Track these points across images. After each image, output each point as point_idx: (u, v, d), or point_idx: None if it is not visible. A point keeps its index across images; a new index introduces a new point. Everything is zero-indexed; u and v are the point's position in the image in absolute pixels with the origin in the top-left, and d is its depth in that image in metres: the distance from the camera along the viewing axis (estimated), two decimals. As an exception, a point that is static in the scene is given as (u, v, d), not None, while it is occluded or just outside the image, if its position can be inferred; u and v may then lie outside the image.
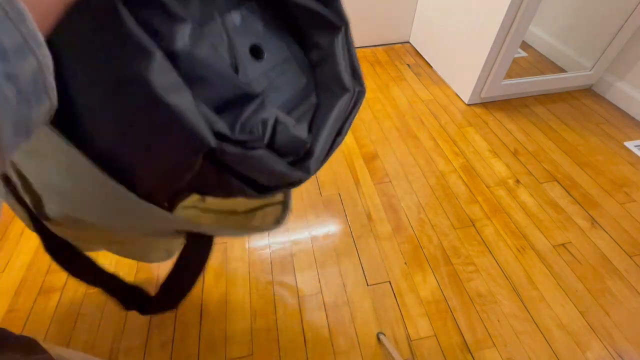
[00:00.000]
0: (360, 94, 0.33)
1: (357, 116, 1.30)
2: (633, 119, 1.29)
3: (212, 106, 0.22)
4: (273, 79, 0.29)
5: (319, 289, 0.80)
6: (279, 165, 0.26)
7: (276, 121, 0.25)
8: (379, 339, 0.71)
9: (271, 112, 0.25)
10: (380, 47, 1.73)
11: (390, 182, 1.05)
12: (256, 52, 0.28)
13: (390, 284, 0.81)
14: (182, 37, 0.21)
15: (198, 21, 0.23)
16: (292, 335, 0.72)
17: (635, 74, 1.28)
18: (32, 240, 0.89)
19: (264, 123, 0.25)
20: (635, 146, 1.17)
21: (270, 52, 0.29)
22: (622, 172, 1.08)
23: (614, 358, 0.70)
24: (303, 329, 0.73)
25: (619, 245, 0.89)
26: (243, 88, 0.24)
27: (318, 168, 0.30)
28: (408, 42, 1.77)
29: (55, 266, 0.84)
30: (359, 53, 1.68)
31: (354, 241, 0.89)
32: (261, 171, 0.26)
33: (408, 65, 1.60)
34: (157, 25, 0.20)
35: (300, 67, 0.31)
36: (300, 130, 0.28)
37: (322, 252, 0.87)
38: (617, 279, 0.82)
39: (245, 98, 0.24)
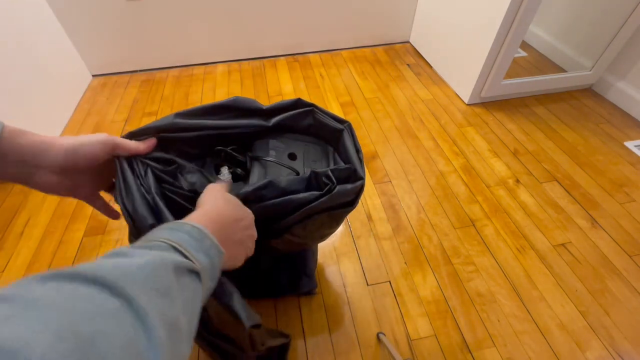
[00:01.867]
0: (349, 126, 0.59)
1: (357, 116, 1.30)
2: (633, 118, 1.29)
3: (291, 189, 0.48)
4: (310, 159, 0.57)
5: (319, 289, 0.80)
6: (349, 186, 0.48)
7: (329, 170, 0.47)
8: (379, 338, 0.71)
9: (324, 170, 0.47)
10: (380, 47, 1.73)
11: (390, 181, 1.05)
12: (292, 156, 0.56)
13: (390, 283, 0.81)
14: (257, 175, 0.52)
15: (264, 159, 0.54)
16: (292, 335, 0.72)
17: (636, 73, 1.28)
18: (32, 240, 0.90)
19: (327, 176, 0.47)
20: (636, 146, 1.17)
21: (297, 151, 0.57)
22: (622, 172, 1.08)
23: (613, 358, 0.70)
24: (303, 329, 0.73)
25: (619, 245, 0.89)
26: (301, 177, 0.48)
27: (363, 172, 0.51)
28: (408, 42, 1.77)
29: (54, 266, 0.84)
30: (360, 53, 1.68)
31: (354, 241, 0.89)
32: (344, 195, 0.48)
33: (408, 65, 1.59)
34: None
35: (317, 144, 0.60)
36: (341, 164, 0.54)
37: (322, 252, 0.87)
38: (617, 278, 0.82)
39: (303, 179, 0.48)
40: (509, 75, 1.27)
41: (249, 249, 0.40)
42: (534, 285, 0.81)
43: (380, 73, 1.54)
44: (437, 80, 1.49)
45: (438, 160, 1.12)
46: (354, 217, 0.95)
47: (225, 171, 0.54)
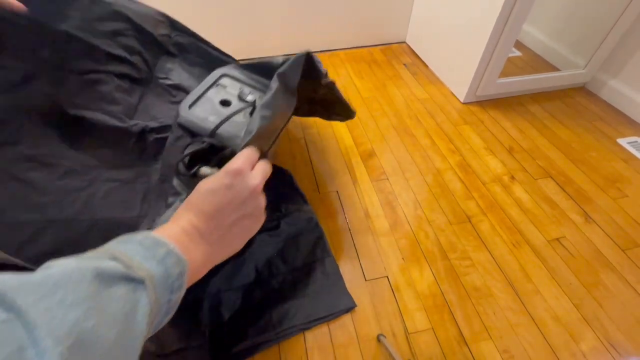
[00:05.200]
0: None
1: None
2: (626, 116, 1.31)
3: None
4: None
5: (318, 284, 0.81)
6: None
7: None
8: (379, 340, 0.72)
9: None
10: (377, 47, 1.74)
11: (388, 179, 1.06)
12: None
13: (388, 279, 0.82)
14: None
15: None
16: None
17: (628, 72, 1.30)
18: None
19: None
20: (628, 143, 1.19)
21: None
22: (615, 168, 1.10)
23: (607, 349, 0.71)
24: (302, 323, 0.74)
25: (612, 240, 0.90)
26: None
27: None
28: (404, 42, 1.79)
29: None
30: (357, 53, 1.69)
31: (352, 237, 0.90)
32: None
33: (405, 64, 1.61)
34: None
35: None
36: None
37: (321, 248, 0.88)
38: (610, 272, 0.84)
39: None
40: (504, 74, 1.29)
41: (251, 227, 0.39)
42: (529, 279, 0.82)
43: (377, 73, 1.55)
44: (433, 79, 1.51)
45: (434, 157, 1.13)
46: (352, 213, 0.96)
47: (207, 170, 0.51)
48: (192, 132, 0.55)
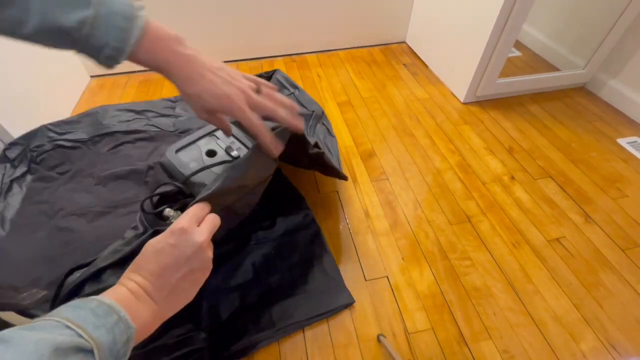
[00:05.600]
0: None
1: (354, 115, 1.31)
2: (625, 116, 1.31)
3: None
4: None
5: (318, 284, 0.80)
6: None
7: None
8: (379, 340, 0.72)
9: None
10: (376, 47, 1.74)
11: (388, 179, 1.06)
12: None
13: (387, 278, 0.82)
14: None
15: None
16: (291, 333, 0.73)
17: (627, 72, 1.31)
18: (32, 239, 0.90)
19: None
20: (628, 143, 1.19)
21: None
22: (615, 169, 1.10)
23: (607, 349, 0.71)
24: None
25: (612, 240, 0.90)
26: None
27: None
28: (404, 42, 1.79)
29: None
30: (356, 53, 1.69)
31: (352, 237, 0.90)
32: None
33: (404, 64, 1.61)
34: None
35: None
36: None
37: (321, 248, 0.87)
38: (610, 272, 0.84)
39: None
40: (504, 74, 1.29)
41: (199, 278, 0.41)
42: (529, 279, 0.82)
43: (377, 73, 1.55)
44: (433, 79, 1.51)
45: (434, 157, 1.13)
46: (352, 214, 0.96)
47: (171, 212, 0.54)
48: (170, 174, 0.58)
